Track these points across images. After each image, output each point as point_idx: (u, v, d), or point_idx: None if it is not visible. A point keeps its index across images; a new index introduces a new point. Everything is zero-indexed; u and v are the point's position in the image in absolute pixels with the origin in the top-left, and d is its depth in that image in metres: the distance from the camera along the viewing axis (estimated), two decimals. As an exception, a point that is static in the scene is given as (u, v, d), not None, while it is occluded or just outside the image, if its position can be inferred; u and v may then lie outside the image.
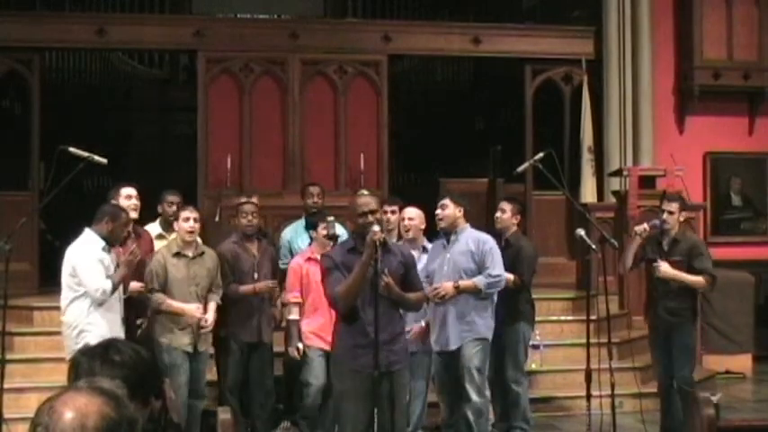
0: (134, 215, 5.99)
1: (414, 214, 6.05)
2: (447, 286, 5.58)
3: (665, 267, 5.96)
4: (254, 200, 6.61)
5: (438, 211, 5.70)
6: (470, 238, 5.68)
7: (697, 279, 6.00)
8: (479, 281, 5.59)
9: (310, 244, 6.40)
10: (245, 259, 6.07)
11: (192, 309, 5.70)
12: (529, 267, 6.23)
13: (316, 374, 6.02)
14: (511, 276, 6.01)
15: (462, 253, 5.63)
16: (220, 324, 6.09)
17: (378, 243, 4.38)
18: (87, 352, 2.16)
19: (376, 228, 4.49)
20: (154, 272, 5.70)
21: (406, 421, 4.91)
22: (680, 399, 5.98)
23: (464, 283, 5.59)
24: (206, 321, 5.80)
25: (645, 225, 6.11)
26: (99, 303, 5.37)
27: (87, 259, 5.42)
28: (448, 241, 5.71)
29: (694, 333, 6.31)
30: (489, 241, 5.72)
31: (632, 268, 6.32)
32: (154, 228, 6.47)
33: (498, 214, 6.23)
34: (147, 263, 5.84)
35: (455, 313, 5.60)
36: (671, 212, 6.07)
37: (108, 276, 5.39)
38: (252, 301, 6.04)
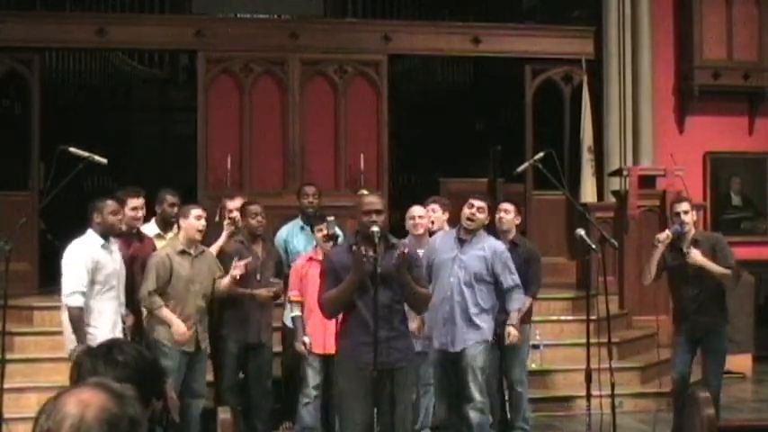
0: (138, 224, 6.05)
1: (423, 212, 6.24)
2: (514, 334, 5.77)
3: (695, 253, 5.90)
4: (238, 201, 6.57)
5: (474, 212, 5.61)
6: (486, 244, 5.66)
7: (724, 271, 5.95)
8: (514, 307, 5.72)
9: (314, 245, 6.40)
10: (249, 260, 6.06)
11: (181, 329, 5.64)
12: (541, 271, 6.35)
13: (314, 384, 6.05)
14: (528, 302, 6.13)
15: (477, 257, 5.59)
16: (219, 324, 6.08)
17: (378, 237, 4.43)
18: (90, 352, 2.16)
19: (375, 228, 4.49)
20: (155, 271, 5.68)
21: (409, 420, 4.88)
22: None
23: (516, 324, 5.78)
24: (242, 261, 5.79)
25: (667, 232, 6.03)
26: (71, 305, 5.40)
27: (74, 260, 5.44)
28: (462, 240, 5.68)
29: (726, 339, 6.24)
30: (505, 250, 5.72)
31: (656, 279, 6.20)
32: (151, 227, 6.45)
33: (502, 215, 6.20)
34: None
35: (462, 315, 5.57)
36: (686, 212, 6.02)
37: (101, 280, 5.43)
38: (252, 303, 6.03)
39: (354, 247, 4.51)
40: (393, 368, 4.53)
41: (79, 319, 5.38)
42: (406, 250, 4.57)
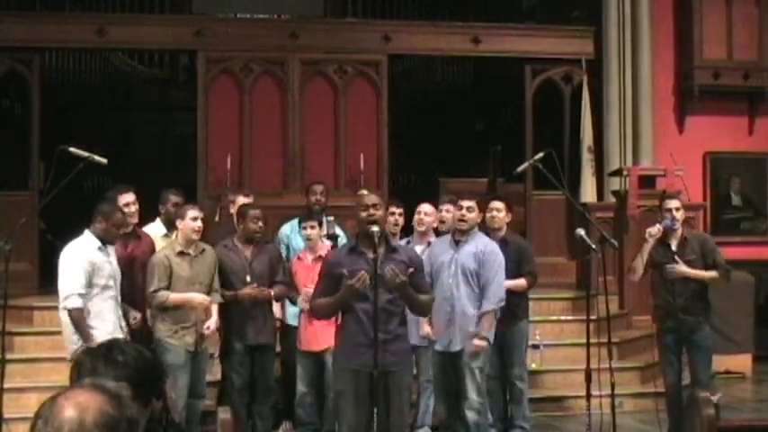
0: (133, 221, 6.00)
1: (430, 211, 6.32)
2: (484, 346, 5.54)
3: (680, 268, 5.94)
4: (251, 199, 6.58)
5: (464, 213, 5.61)
6: (480, 243, 5.67)
7: (713, 274, 5.99)
8: (488, 307, 5.53)
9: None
10: (236, 262, 6.01)
11: (199, 297, 5.68)
12: (534, 264, 6.34)
13: (302, 380, 6.21)
14: (522, 282, 6.12)
15: (471, 255, 5.60)
16: (222, 326, 6.08)
17: (378, 237, 4.45)
18: (90, 351, 2.16)
19: (375, 228, 4.49)
20: (157, 271, 5.68)
21: (406, 423, 4.88)
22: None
23: (488, 330, 5.54)
24: (208, 328, 5.78)
25: (658, 226, 6.04)
26: (70, 307, 5.38)
27: (70, 262, 5.43)
28: (457, 241, 5.68)
29: (710, 336, 6.27)
30: (496, 249, 5.69)
31: (643, 275, 6.20)
32: (157, 227, 6.42)
33: (494, 213, 6.21)
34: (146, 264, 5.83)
35: (461, 315, 5.58)
36: (677, 209, 6.06)
37: (98, 282, 5.41)
38: (254, 304, 6.01)
39: (347, 279, 4.44)
40: (388, 371, 4.51)
41: (80, 320, 5.38)
42: (410, 271, 4.54)
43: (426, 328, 5.74)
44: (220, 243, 6.17)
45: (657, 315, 6.24)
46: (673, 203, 6.10)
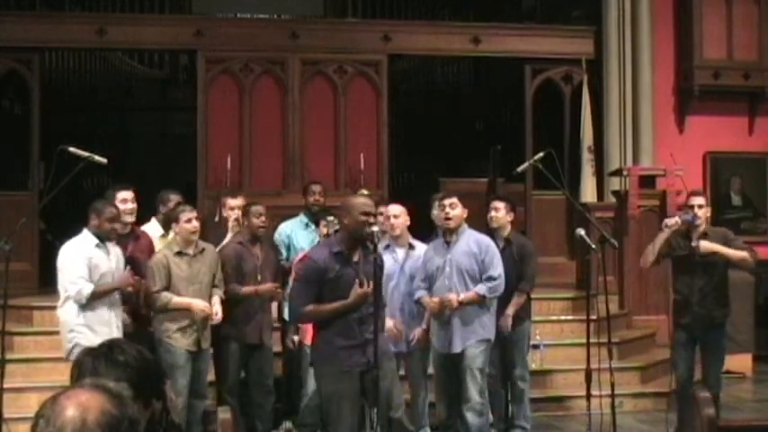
0: (130, 219, 5.96)
1: (398, 211, 5.97)
2: (452, 298, 5.50)
3: (705, 243, 5.89)
4: (240, 200, 6.56)
5: (448, 210, 5.59)
6: (471, 239, 5.65)
7: (742, 253, 5.91)
8: (480, 289, 5.55)
9: (313, 241, 6.41)
10: (249, 261, 6.03)
11: (200, 305, 5.67)
12: (535, 266, 6.31)
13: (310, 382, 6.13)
14: (521, 300, 6.10)
15: (465, 254, 5.59)
16: (220, 324, 6.08)
17: (377, 237, 4.47)
18: (91, 351, 2.16)
19: (376, 228, 4.49)
20: (157, 272, 5.68)
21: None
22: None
23: (467, 295, 5.53)
24: (216, 315, 5.77)
25: (676, 218, 6.04)
26: (80, 305, 5.34)
27: (71, 257, 5.41)
28: (448, 242, 5.68)
29: (726, 335, 6.24)
30: (491, 243, 5.70)
31: (654, 264, 6.18)
32: (155, 228, 6.41)
33: (493, 213, 6.17)
34: (145, 263, 5.81)
35: (459, 317, 5.58)
36: (701, 206, 6.03)
37: (95, 280, 5.39)
38: (253, 303, 6.01)
39: (358, 286, 4.46)
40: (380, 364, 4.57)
41: (99, 293, 5.36)
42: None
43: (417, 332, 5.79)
44: (234, 240, 6.19)
45: (674, 309, 6.22)
46: (696, 200, 6.07)
